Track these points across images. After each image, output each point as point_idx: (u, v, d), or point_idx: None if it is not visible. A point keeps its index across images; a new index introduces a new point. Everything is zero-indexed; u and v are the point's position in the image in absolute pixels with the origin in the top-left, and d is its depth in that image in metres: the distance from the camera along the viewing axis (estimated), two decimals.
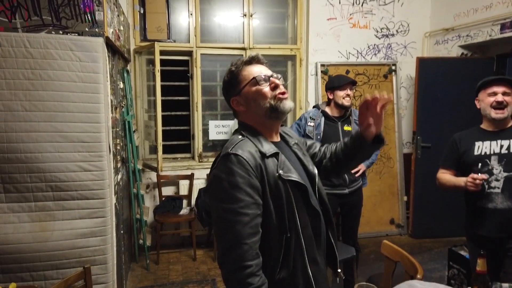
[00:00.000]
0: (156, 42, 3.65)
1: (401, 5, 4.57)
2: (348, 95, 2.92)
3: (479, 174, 2.05)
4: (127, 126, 3.42)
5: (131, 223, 3.74)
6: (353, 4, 4.45)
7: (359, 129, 1.42)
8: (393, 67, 4.56)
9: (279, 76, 1.34)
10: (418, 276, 1.73)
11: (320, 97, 4.33)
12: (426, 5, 4.64)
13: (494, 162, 2.11)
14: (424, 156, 4.31)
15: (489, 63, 4.26)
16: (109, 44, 2.65)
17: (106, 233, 2.39)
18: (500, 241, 2.12)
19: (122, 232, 3.05)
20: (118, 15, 2.93)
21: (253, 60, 1.34)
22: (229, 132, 4.35)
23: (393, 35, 4.61)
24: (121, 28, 3.15)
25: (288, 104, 1.30)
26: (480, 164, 2.14)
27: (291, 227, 1.24)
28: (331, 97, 2.98)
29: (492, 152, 2.13)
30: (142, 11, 4.05)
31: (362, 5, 4.47)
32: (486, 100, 2.17)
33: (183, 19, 4.23)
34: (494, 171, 2.10)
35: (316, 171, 1.41)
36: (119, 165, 3.07)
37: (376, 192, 4.53)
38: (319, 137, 2.97)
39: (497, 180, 2.09)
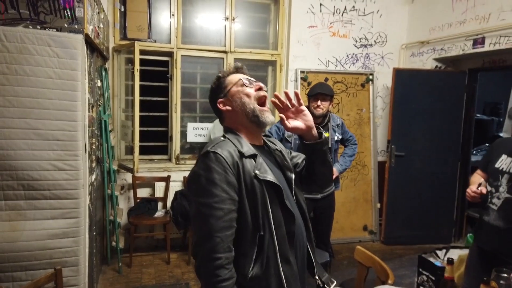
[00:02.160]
0: (136, 41, 3.61)
1: (380, 16, 4.69)
2: (318, 106, 2.96)
3: (480, 187, 2.01)
4: (103, 125, 3.36)
5: (104, 224, 3.66)
6: (334, 13, 4.54)
7: (299, 137, 1.48)
8: (371, 77, 4.67)
9: (262, 85, 1.44)
10: (389, 282, 1.78)
11: None
12: (404, 18, 4.79)
13: (504, 180, 2.05)
14: (398, 165, 4.43)
15: (461, 76, 4.43)
16: (88, 41, 2.60)
17: (79, 234, 2.34)
18: (492, 257, 2.09)
19: (94, 233, 2.99)
20: (98, 12, 2.89)
21: (239, 69, 1.48)
22: (207, 135, 4.33)
23: (371, 45, 4.72)
24: (101, 25, 3.10)
25: (270, 117, 1.39)
26: (493, 178, 2.10)
27: (265, 226, 1.29)
28: (308, 105, 3.03)
29: (507, 170, 2.05)
30: (123, 9, 4.00)
31: (342, 14, 4.57)
32: None
33: (165, 20, 4.20)
34: (500, 189, 2.06)
35: (293, 176, 1.46)
36: (94, 165, 3.01)
37: (351, 199, 4.62)
38: (297, 141, 3.01)
39: (498, 198, 2.06)
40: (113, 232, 3.66)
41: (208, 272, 1.20)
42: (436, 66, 4.54)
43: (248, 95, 1.38)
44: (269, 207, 1.30)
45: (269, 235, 1.29)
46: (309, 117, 1.41)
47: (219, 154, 1.26)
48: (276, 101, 1.41)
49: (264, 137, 1.51)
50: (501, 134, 2.93)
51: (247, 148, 1.34)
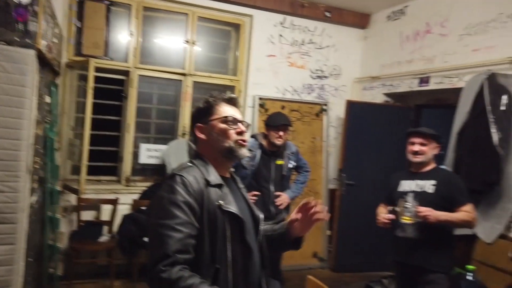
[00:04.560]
0: (91, 58, 3.50)
1: (335, 51, 4.91)
2: (280, 136, 3.00)
3: (392, 210, 2.40)
4: (49, 144, 3.17)
5: (42, 249, 3.40)
6: (292, 44, 4.69)
7: (288, 222, 1.47)
8: (325, 107, 4.84)
9: (247, 124, 1.45)
10: None
11: (256, 129, 4.41)
12: (357, 53, 5.05)
13: (410, 198, 2.38)
14: (348, 193, 4.56)
15: (408, 111, 4.71)
16: (40, 57, 2.47)
17: (14, 262, 2.15)
18: (414, 269, 2.38)
19: (31, 260, 2.76)
20: (53, 27, 2.77)
21: (232, 101, 1.44)
22: (161, 157, 4.22)
23: (326, 77, 4.91)
24: (55, 40, 2.97)
25: (245, 152, 1.39)
26: (400, 200, 2.40)
27: (222, 259, 1.26)
28: (266, 133, 3.06)
29: (409, 190, 2.44)
30: (79, 25, 3.86)
31: (300, 46, 4.73)
32: (408, 148, 2.51)
33: (123, 38, 4.12)
34: (409, 205, 2.35)
35: (262, 216, 1.46)
36: (35, 185, 2.81)
37: None
38: (253, 168, 3.01)
39: (410, 212, 2.35)
40: (51, 258, 3.40)
41: (170, 280, 1.14)
42: (386, 101, 4.80)
43: (227, 136, 1.36)
44: (228, 241, 1.28)
45: (225, 269, 1.27)
46: (309, 228, 1.42)
47: (185, 177, 1.26)
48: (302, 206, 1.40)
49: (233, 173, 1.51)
50: (442, 167, 3.20)
51: (214, 177, 1.33)
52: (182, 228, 1.19)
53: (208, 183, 1.29)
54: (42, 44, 2.31)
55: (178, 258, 1.16)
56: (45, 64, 2.82)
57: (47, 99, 3.12)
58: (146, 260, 1.25)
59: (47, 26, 2.45)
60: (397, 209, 2.37)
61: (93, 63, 3.46)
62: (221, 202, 1.28)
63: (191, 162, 1.37)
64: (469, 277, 1.76)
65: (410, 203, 2.28)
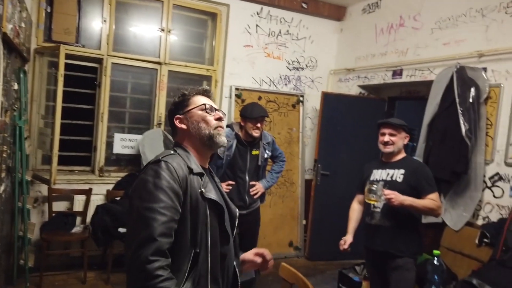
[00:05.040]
0: (62, 45, 3.39)
1: (311, 42, 4.95)
2: (258, 128, 2.99)
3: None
4: (17, 132, 3.07)
5: (11, 241, 3.32)
6: (269, 35, 4.69)
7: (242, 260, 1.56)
8: (301, 98, 4.87)
9: (223, 112, 1.50)
10: None
11: (233, 120, 4.41)
12: (333, 45, 5.10)
13: (379, 183, 2.44)
14: (323, 183, 4.63)
15: (382, 103, 4.81)
16: (6, 41, 2.38)
17: None
18: (382, 255, 2.47)
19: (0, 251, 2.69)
20: (20, 11, 2.67)
21: (206, 92, 1.50)
22: (135, 147, 4.17)
23: (302, 68, 4.94)
24: (22, 24, 2.87)
25: (223, 139, 1.45)
26: (368, 182, 2.47)
27: (202, 243, 1.31)
28: (243, 124, 3.04)
29: (380, 179, 2.52)
30: (49, 10, 3.74)
31: (277, 37, 4.74)
32: (379, 138, 2.57)
33: (96, 25, 4.01)
34: (375, 187, 2.41)
35: (237, 212, 1.51)
36: (3, 175, 2.73)
37: (278, 215, 4.71)
38: (228, 158, 3.01)
39: (375, 194, 2.41)
40: (22, 249, 3.32)
41: (149, 274, 1.16)
42: (360, 93, 4.87)
43: (206, 122, 1.42)
44: (209, 226, 1.33)
45: (204, 253, 1.32)
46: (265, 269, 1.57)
47: (170, 163, 1.29)
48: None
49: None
50: (414, 157, 3.33)
51: (196, 166, 1.38)
52: (167, 212, 1.23)
53: (191, 171, 1.34)
54: (8, 27, 2.23)
55: (162, 242, 1.20)
56: (12, 49, 2.72)
57: (15, 86, 3.02)
58: (128, 243, 1.25)
59: (13, 8, 2.36)
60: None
61: (64, 49, 3.36)
62: (202, 189, 1.34)
63: (173, 150, 1.40)
64: (435, 261, 1.83)
65: (376, 185, 2.34)
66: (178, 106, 1.46)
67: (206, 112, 1.43)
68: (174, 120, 1.44)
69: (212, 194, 1.37)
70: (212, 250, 1.33)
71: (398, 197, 2.28)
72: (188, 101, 1.45)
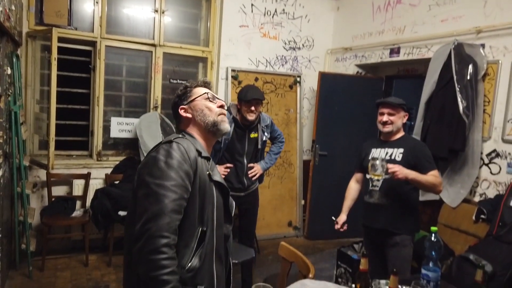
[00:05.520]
0: (54, 28, 3.33)
1: (308, 21, 4.88)
2: (252, 111, 2.94)
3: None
4: (13, 117, 3.05)
5: (12, 226, 3.34)
6: (265, 14, 4.61)
7: None
8: (298, 79, 4.84)
9: (224, 101, 1.59)
10: (310, 276, 1.85)
11: (229, 101, 4.38)
12: (329, 24, 5.03)
13: (383, 162, 2.41)
14: (321, 163, 4.65)
15: (379, 82, 4.78)
16: None
17: None
18: (381, 232, 2.50)
19: (0, 236, 2.70)
20: None
21: (206, 84, 1.60)
22: (132, 131, 4.15)
23: (299, 48, 4.89)
24: (12, 7, 2.81)
25: (227, 126, 1.53)
26: (370, 159, 2.46)
27: (208, 222, 1.38)
28: (239, 107, 3.01)
29: (379, 157, 2.48)
30: None
31: (273, 16, 4.67)
32: (378, 118, 2.56)
33: (88, 6, 3.94)
34: (378, 162, 2.39)
35: (234, 204, 1.58)
36: (0, 160, 2.72)
37: (277, 196, 4.74)
38: (227, 141, 2.99)
39: (378, 180, 2.43)
40: (23, 234, 3.34)
41: (155, 249, 1.21)
42: (358, 72, 4.84)
43: (209, 109, 1.50)
44: (215, 206, 1.41)
45: (210, 232, 1.39)
46: None
47: (181, 145, 1.36)
48: None
49: None
50: (413, 136, 3.35)
51: (202, 150, 1.45)
52: (177, 189, 1.29)
53: (199, 153, 1.41)
54: None
55: (173, 218, 1.25)
56: (4, 33, 2.68)
57: (8, 71, 2.98)
58: (138, 216, 1.28)
59: None
60: (368, 176, 2.44)
61: (56, 32, 3.30)
62: (210, 172, 1.42)
63: (182, 134, 1.48)
64: (432, 237, 1.85)
65: (380, 161, 2.32)
66: (182, 97, 1.53)
67: (209, 100, 1.51)
68: (179, 111, 1.52)
69: (218, 178, 1.46)
70: (217, 230, 1.41)
71: (402, 170, 2.27)
72: (190, 92, 1.54)
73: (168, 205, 1.26)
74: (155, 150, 1.38)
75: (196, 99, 1.51)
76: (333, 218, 2.72)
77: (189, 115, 1.51)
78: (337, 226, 2.67)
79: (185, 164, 1.33)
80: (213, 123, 1.49)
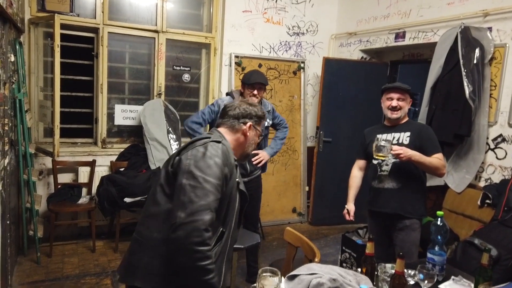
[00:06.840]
0: (56, 14, 3.31)
1: (312, 6, 4.81)
2: (255, 95, 2.93)
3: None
4: (17, 105, 3.05)
5: (19, 212, 3.37)
6: None
7: None
8: (302, 65, 4.80)
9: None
10: (316, 260, 1.87)
11: (233, 88, 4.36)
12: (334, 9, 4.96)
13: (388, 143, 2.37)
14: (325, 150, 4.64)
15: (384, 67, 4.73)
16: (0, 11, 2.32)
17: None
18: (390, 217, 2.49)
19: (8, 222, 2.73)
20: None
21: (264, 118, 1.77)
22: (136, 118, 4.15)
23: (303, 33, 4.84)
24: None
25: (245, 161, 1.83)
26: (375, 140, 2.42)
27: (227, 225, 1.52)
28: (242, 91, 3.00)
29: (385, 139, 2.43)
30: None
31: (276, 1, 4.60)
32: (385, 103, 2.53)
33: None
34: (383, 143, 2.37)
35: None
36: (6, 148, 2.73)
37: (281, 182, 4.75)
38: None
39: (387, 165, 2.46)
40: (30, 221, 3.38)
41: (202, 241, 1.31)
42: (362, 57, 4.79)
43: (255, 144, 1.73)
44: (236, 212, 1.56)
45: (227, 234, 1.53)
46: None
47: (226, 148, 1.51)
48: None
49: None
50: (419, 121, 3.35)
51: (233, 158, 1.58)
52: (219, 189, 1.41)
53: (234, 160, 1.57)
54: None
55: (214, 216, 1.38)
56: (6, 19, 2.66)
57: (12, 58, 2.97)
58: (181, 203, 1.37)
59: None
60: (374, 162, 2.44)
61: (58, 19, 3.27)
62: (238, 180, 1.57)
63: (222, 137, 1.59)
64: (438, 221, 1.85)
65: (385, 141, 2.30)
66: (257, 118, 1.69)
67: (259, 139, 1.75)
68: (246, 124, 1.65)
69: (242, 186, 1.60)
70: (232, 233, 1.56)
71: (406, 152, 2.27)
72: (262, 121, 1.73)
73: (213, 203, 1.37)
74: (203, 145, 1.46)
75: (258, 129, 1.71)
76: (347, 208, 2.68)
77: (247, 134, 1.66)
78: (349, 218, 2.65)
79: (226, 167, 1.45)
80: (247, 155, 1.72)
